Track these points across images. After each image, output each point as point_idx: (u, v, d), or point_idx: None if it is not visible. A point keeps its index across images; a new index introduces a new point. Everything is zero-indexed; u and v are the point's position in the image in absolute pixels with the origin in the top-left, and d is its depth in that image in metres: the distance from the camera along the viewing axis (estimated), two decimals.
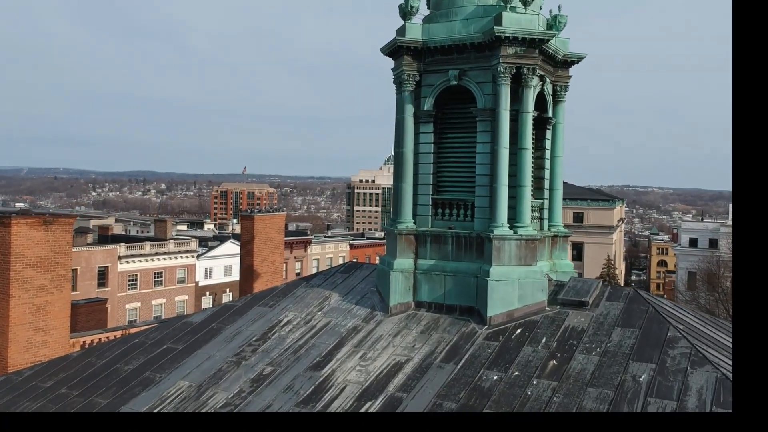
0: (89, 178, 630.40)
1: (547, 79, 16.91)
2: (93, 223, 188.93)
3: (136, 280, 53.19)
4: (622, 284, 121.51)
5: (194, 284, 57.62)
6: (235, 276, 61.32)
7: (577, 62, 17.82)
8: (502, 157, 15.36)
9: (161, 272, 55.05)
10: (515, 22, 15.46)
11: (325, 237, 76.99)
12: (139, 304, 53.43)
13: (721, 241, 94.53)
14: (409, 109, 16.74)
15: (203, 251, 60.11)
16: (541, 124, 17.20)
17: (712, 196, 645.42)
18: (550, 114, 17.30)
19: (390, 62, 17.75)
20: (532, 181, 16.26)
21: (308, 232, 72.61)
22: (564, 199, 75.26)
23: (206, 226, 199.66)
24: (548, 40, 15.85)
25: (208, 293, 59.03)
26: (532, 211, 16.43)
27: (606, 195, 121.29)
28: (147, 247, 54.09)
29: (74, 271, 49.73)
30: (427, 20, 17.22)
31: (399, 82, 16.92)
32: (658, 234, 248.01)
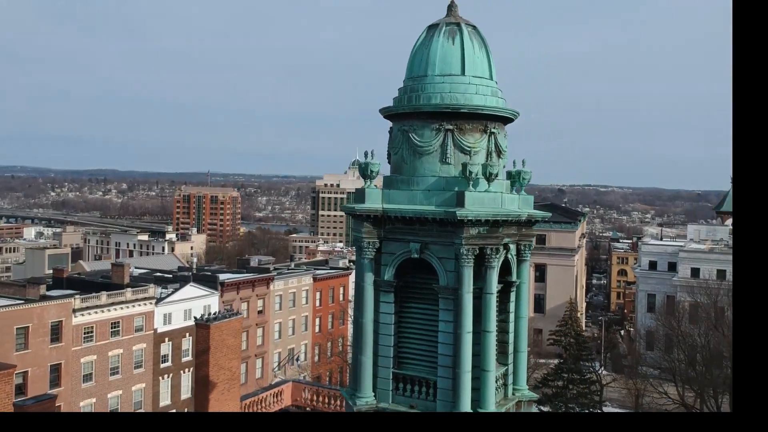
0: (48, 177, 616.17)
1: (511, 246, 16.47)
2: (48, 242, 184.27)
3: (92, 332, 51.65)
4: (583, 319, 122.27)
5: (153, 332, 56.21)
6: None
7: (541, 221, 17.46)
8: (465, 342, 14.88)
9: (118, 322, 53.57)
10: (478, 202, 14.98)
11: (288, 270, 75.97)
12: (95, 357, 51.88)
13: (680, 265, 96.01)
14: (369, 278, 16.15)
15: (162, 294, 58.70)
16: (506, 287, 16.77)
17: (670, 196, 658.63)
18: (514, 277, 16.87)
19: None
20: (496, 346, 15.90)
21: (270, 268, 71.44)
22: None
23: (168, 235, 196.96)
24: (512, 220, 15.42)
25: (167, 339, 57.70)
26: (497, 381, 16.02)
27: (568, 215, 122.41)
28: (103, 297, 52.48)
29: (26, 328, 48.05)
30: (387, 183, 16.66)
31: (359, 246, 16.32)
32: (618, 241, 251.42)
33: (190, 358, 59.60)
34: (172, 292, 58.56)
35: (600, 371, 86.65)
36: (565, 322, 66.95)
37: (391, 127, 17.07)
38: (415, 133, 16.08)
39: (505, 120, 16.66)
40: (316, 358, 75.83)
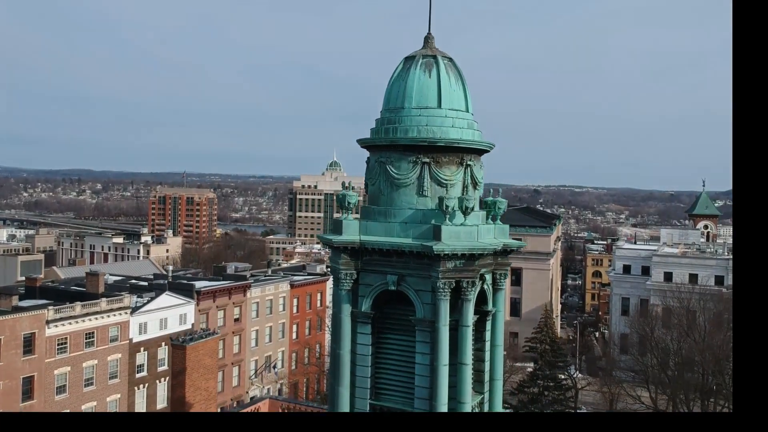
0: (20, 177, 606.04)
1: (487, 276, 16.67)
2: (21, 245, 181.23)
3: (65, 343, 51.03)
4: (558, 321, 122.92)
5: (128, 341, 55.67)
6: (171, 328, 59.70)
7: (516, 250, 17.68)
8: (441, 374, 15.03)
9: (93, 332, 52.99)
10: (454, 236, 15.14)
11: (265, 276, 75.68)
12: (68, 369, 51.26)
13: (654, 269, 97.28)
14: (347, 309, 16.25)
15: (138, 303, 58.18)
16: (482, 315, 16.96)
17: (643, 196, 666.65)
18: (490, 306, 17.07)
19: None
20: (472, 375, 16.08)
21: (247, 275, 71.12)
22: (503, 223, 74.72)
23: (143, 237, 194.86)
24: (488, 253, 15.61)
25: (142, 349, 57.22)
26: (472, 410, 16.18)
27: (544, 218, 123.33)
28: (78, 308, 51.85)
29: None
30: (365, 214, 16.76)
31: (336, 277, 16.41)
32: (593, 242, 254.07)
33: (165, 367, 59.19)
34: (148, 302, 58.07)
35: (575, 375, 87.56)
36: (540, 329, 67.56)
37: (368, 158, 17.18)
38: (393, 165, 16.21)
39: (481, 151, 16.86)
40: (293, 365, 75.66)
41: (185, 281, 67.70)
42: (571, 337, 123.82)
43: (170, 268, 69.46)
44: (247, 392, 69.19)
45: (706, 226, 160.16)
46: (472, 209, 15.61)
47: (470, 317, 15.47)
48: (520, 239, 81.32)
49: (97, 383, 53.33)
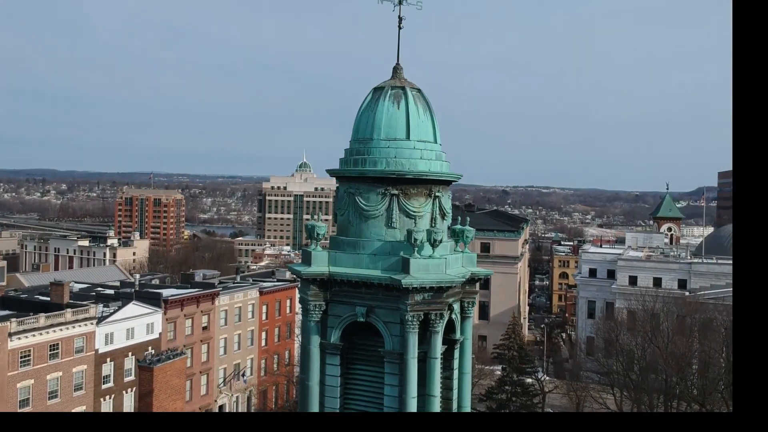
0: None
1: (455, 305, 16.86)
2: None
3: (29, 356, 50.11)
4: (526, 324, 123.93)
5: (93, 352, 54.86)
6: (138, 338, 59.02)
7: (483, 279, 17.91)
8: (410, 407, 15.15)
9: (57, 344, 52.13)
10: (423, 269, 15.29)
11: (234, 283, 75.18)
12: (32, 381, 50.33)
13: (619, 273, 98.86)
14: (315, 340, 16.30)
15: (104, 312, 57.37)
16: (450, 344, 17.14)
17: (609, 197, 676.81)
18: (458, 335, 17.25)
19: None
20: (441, 403, 16.25)
21: (216, 283, 70.58)
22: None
23: (110, 240, 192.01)
24: (457, 288, 15.79)
25: (108, 360, 56.41)
26: None
27: (512, 222, 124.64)
28: (42, 319, 50.92)
29: None
30: (334, 244, 16.83)
31: (305, 309, 16.45)
32: (560, 243, 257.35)
33: (132, 377, 58.44)
34: (114, 312, 57.30)
35: (543, 378, 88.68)
36: (508, 336, 68.27)
37: (337, 187, 17.26)
38: (361, 196, 16.31)
39: (449, 182, 17.05)
40: (263, 373, 75.30)
41: (152, 290, 66.95)
42: (538, 339, 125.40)
43: (137, 276, 68.57)
44: (216, 401, 68.69)
45: (669, 229, 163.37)
46: (441, 241, 15.79)
47: (438, 349, 15.64)
48: (488, 243, 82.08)
49: (62, 395, 52.49)
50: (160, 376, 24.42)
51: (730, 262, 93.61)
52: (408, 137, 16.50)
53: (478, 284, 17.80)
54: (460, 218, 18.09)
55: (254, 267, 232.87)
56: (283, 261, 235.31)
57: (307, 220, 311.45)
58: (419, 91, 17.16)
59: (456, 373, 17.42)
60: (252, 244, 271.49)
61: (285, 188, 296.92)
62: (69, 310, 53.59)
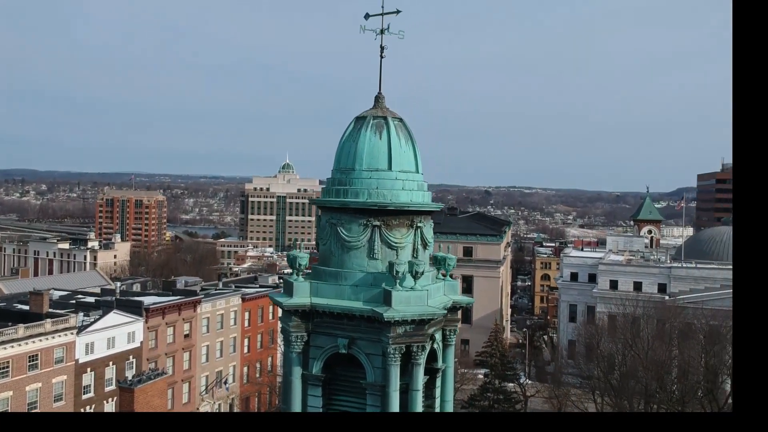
0: None
1: (437, 335, 16.92)
2: None
3: (7, 367, 49.58)
4: (508, 326, 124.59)
5: (74, 363, 54.42)
6: (119, 347, 58.59)
7: (465, 306, 18.01)
8: None
9: (37, 355, 51.63)
10: (404, 301, 15.32)
11: (216, 290, 74.85)
12: (11, 393, 49.79)
13: (600, 278, 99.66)
14: (297, 371, 16.27)
15: (84, 321, 56.90)
16: (432, 373, 17.20)
17: (591, 197, 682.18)
18: (440, 363, 17.31)
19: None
20: None
21: (198, 290, 70.21)
22: (455, 233, 78.01)
23: (90, 243, 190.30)
24: (439, 318, 15.86)
25: (89, 370, 55.97)
26: None
27: (494, 226, 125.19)
28: (21, 330, 50.37)
29: None
30: (315, 275, 16.82)
31: (287, 339, 16.43)
32: (541, 245, 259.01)
33: (113, 387, 58.02)
34: (95, 321, 56.87)
35: (525, 383, 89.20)
36: (490, 343, 68.62)
37: (319, 216, 17.26)
38: (343, 227, 16.32)
39: (431, 211, 17.11)
40: (245, 380, 75.04)
41: (134, 297, 66.48)
42: (520, 342, 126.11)
43: (118, 284, 68.04)
44: (198, 408, 68.34)
45: (650, 231, 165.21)
46: (422, 273, 15.84)
47: (420, 381, 15.69)
48: (471, 247, 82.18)
49: (41, 406, 51.98)
50: (140, 397, 24.20)
51: (710, 266, 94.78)
52: (390, 168, 16.53)
53: (460, 312, 17.93)
54: (441, 246, 18.14)
55: (237, 269, 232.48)
56: (266, 263, 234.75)
57: (290, 221, 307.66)
58: (401, 120, 17.21)
59: (438, 401, 17.49)
60: (234, 246, 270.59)
61: (268, 189, 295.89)
62: (49, 320, 53.08)
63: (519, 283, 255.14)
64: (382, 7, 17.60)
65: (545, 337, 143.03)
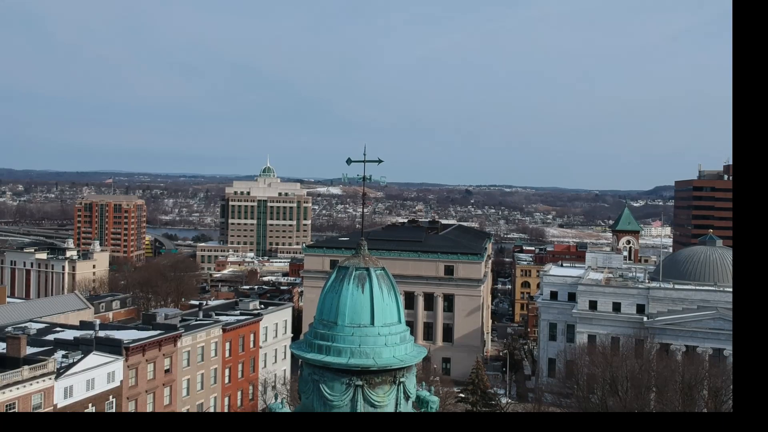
0: None
1: None
2: None
3: None
4: (489, 339, 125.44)
5: (52, 407, 53.98)
6: (99, 388, 58.18)
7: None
8: None
9: (13, 403, 51.09)
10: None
11: (196, 320, 74.51)
12: None
13: (579, 298, 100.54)
14: None
15: (63, 363, 56.41)
16: None
17: (570, 196, 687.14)
18: None
19: None
20: None
21: (177, 325, 69.76)
22: (436, 252, 78.27)
23: (68, 252, 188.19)
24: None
25: None
26: None
27: (474, 239, 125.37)
28: None
29: None
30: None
31: None
32: (521, 249, 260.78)
33: None
34: (74, 363, 56.39)
35: (506, 402, 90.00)
36: (471, 381, 69.08)
37: (302, 365, 17.29)
38: (326, 384, 16.35)
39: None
40: (227, 410, 74.85)
41: (113, 332, 66.00)
42: (501, 353, 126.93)
43: (97, 323, 67.43)
44: None
45: (628, 242, 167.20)
46: None
47: None
48: (452, 266, 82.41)
49: None
50: None
51: (687, 287, 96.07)
52: (372, 323, 16.61)
53: None
54: (424, 384, 18.23)
55: (217, 275, 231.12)
56: (247, 269, 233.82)
57: (271, 225, 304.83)
58: (383, 269, 17.27)
59: None
60: (215, 251, 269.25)
61: (248, 193, 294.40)
62: (26, 367, 52.48)
63: (499, 286, 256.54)
64: (364, 154, 17.72)
65: (525, 346, 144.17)
